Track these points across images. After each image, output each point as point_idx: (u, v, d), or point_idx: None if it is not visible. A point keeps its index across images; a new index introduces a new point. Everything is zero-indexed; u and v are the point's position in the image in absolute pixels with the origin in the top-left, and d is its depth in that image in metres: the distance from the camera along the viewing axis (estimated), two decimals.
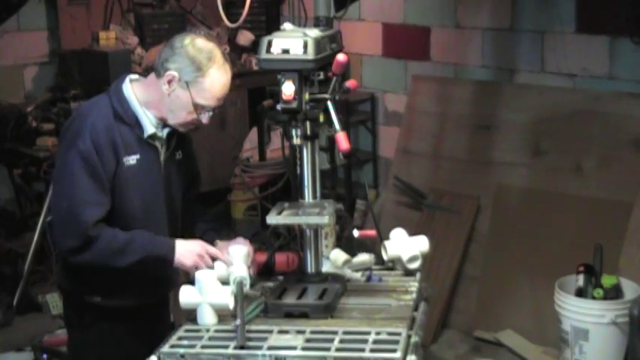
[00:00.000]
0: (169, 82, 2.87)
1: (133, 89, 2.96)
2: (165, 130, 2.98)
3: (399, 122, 6.00)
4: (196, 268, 2.87)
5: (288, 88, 2.68)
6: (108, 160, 2.85)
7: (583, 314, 4.24)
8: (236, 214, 6.57)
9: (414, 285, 2.98)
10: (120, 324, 3.02)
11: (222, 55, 2.91)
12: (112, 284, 2.97)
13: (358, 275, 3.04)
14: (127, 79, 2.99)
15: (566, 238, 4.84)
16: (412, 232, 3.16)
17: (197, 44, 2.88)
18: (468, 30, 5.67)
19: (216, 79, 2.88)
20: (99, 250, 2.83)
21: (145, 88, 2.96)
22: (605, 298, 4.28)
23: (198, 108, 2.89)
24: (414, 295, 2.89)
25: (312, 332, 2.61)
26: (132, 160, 2.90)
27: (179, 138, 3.06)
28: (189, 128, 2.99)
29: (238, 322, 2.55)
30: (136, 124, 2.93)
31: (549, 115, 5.12)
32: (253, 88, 6.74)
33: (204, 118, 2.92)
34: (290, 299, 2.78)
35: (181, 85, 2.86)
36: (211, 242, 3.04)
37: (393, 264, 3.11)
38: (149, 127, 2.94)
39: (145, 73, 3.10)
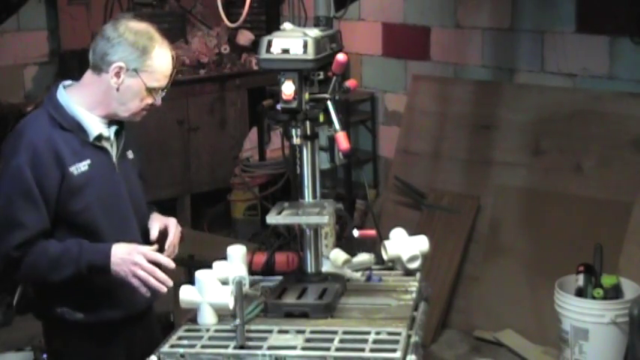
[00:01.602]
0: (117, 74, 2.79)
1: (70, 94, 2.86)
2: (112, 129, 2.90)
3: (399, 122, 6.00)
4: (135, 276, 2.74)
5: (288, 88, 2.67)
6: (48, 175, 2.73)
7: (583, 314, 4.24)
8: (236, 214, 6.57)
9: (414, 285, 2.98)
10: (104, 341, 2.93)
11: (158, 32, 2.86)
12: (92, 296, 2.87)
13: (358, 275, 3.04)
14: (61, 87, 2.88)
15: (566, 238, 4.84)
16: (412, 232, 3.16)
17: (133, 29, 2.80)
18: (468, 30, 5.67)
19: (162, 57, 2.83)
20: (27, 269, 2.74)
21: (83, 91, 2.87)
22: (605, 297, 4.29)
23: (152, 92, 2.84)
24: (414, 295, 2.89)
25: (312, 332, 2.60)
26: (83, 166, 2.79)
27: (127, 137, 2.98)
28: (143, 115, 2.91)
29: (238, 321, 2.55)
30: (79, 129, 2.82)
31: (549, 115, 5.12)
32: (253, 88, 6.75)
33: (158, 100, 2.87)
34: (290, 299, 2.77)
35: (130, 74, 2.79)
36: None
37: (393, 264, 3.11)
38: (93, 130, 2.83)
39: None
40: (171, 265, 2.80)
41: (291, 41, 2.69)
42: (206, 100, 6.63)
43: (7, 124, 5.80)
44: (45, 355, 4.69)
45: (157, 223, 2.98)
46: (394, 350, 2.46)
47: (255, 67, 6.55)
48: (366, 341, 2.52)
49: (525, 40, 5.35)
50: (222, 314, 2.71)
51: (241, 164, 6.52)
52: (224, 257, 2.91)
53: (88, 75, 2.87)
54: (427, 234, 3.16)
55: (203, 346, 2.56)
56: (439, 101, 5.66)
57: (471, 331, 5.07)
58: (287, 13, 5.47)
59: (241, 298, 2.59)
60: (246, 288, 2.80)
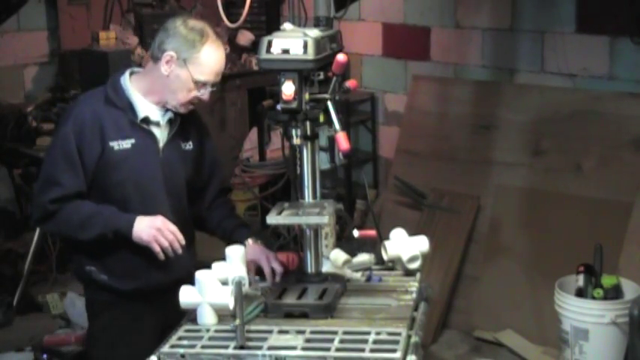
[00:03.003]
0: (168, 62, 3.00)
1: (132, 80, 3.08)
2: (166, 117, 3.08)
3: (399, 122, 6.00)
4: (157, 242, 2.97)
5: (288, 88, 2.68)
6: (90, 145, 2.98)
7: (583, 314, 4.24)
8: None
9: (414, 285, 2.98)
10: (128, 309, 3.11)
11: (214, 32, 3.06)
12: (117, 263, 3.08)
13: (358, 275, 3.04)
14: (127, 72, 3.12)
15: (566, 238, 4.84)
16: (412, 232, 3.16)
17: (189, 24, 3.04)
18: (468, 30, 5.67)
19: (211, 53, 3.01)
20: (59, 222, 3.01)
21: (143, 77, 3.09)
22: (605, 298, 4.28)
23: (198, 84, 3.02)
24: (414, 295, 2.89)
25: (312, 332, 2.61)
26: (125, 143, 3.01)
27: (193, 129, 3.18)
28: (190, 108, 3.10)
29: (238, 322, 2.55)
30: (129, 109, 3.04)
31: (549, 115, 5.12)
32: (253, 88, 6.74)
33: (205, 94, 3.05)
34: (290, 299, 2.78)
35: (179, 63, 2.99)
36: (242, 241, 3.11)
37: (393, 264, 3.11)
38: (141, 111, 3.04)
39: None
40: (183, 241, 3.01)
41: (291, 41, 2.70)
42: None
43: (7, 124, 5.81)
44: (45, 355, 4.71)
45: (262, 257, 3.05)
46: (394, 350, 2.47)
47: (255, 68, 6.54)
48: (366, 341, 2.52)
49: (525, 40, 5.35)
50: (222, 314, 2.71)
51: (241, 164, 6.52)
52: (224, 257, 2.92)
53: (149, 64, 3.11)
54: (427, 234, 3.17)
55: (203, 347, 2.57)
56: (439, 101, 5.66)
57: (471, 331, 5.07)
58: (287, 13, 5.47)
59: (241, 298, 2.60)
60: (245, 288, 2.80)
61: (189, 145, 3.18)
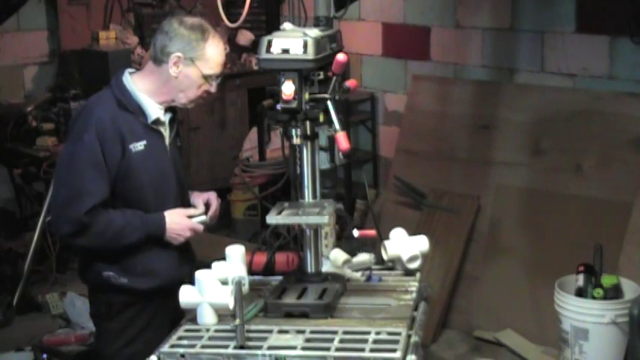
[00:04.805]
0: (175, 63, 3.06)
1: (133, 80, 3.13)
2: (168, 116, 3.17)
3: (399, 122, 6.00)
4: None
5: (288, 88, 2.68)
6: (113, 151, 3.02)
7: (583, 314, 4.24)
8: (236, 213, 6.57)
9: (414, 285, 2.98)
10: (146, 307, 3.16)
11: (210, 25, 3.15)
12: (137, 264, 3.12)
13: (358, 275, 3.04)
14: (126, 72, 3.17)
15: (566, 238, 4.84)
16: (412, 232, 3.16)
17: (187, 23, 3.10)
18: (468, 30, 5.67)
19: (215, 47, 3.10)
20: (94, 236, 3.03)
21: (145, 78, 3.15)
22: (605, 297, 4.29)
23: (208, 79, 3.10)
24: (414, 295, 2.89)
25: (312, 332, 2.60)
26: (139, 146, 3.07)
27: (178, 128, 3.27)
28: (199, 102, 3.20)
29: (238, 321, 2.55)
30: (140, 112, 3.10)
31: (549, 115, 5.12)
32: (253, 88, 6.75)
33: (213, 86, 3.14)
34: (290, 299, 2.78)
35: (187, 63, 3.06)
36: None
37: (393, 264, 3.11)
38: (152, 113, 3.11)
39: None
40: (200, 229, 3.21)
41: (291, 41, 2.70)
42: (206, 99, 6.63)
43: (7, 124, 5.81)
44: (45, 355, 4.71)
45: (199, 199, 3.30)
46: (394, 350, 2.46)
47: (255, 67, 6.55)
48: (366, 341, 2.52)
49: (525, 40, 5.35)
50: (222, 314, 2.71)
51: (241, 164, 6.52)
52: (224, 257, 2.92)
53: (150, 65, 3.15)
54: (427, 234, 3.16)
55: (203, 346, 2.57)
56: (439, 101, 5.66)
57: (471, 331, 5.07)
58: (287, 13, 5.47)
59: (241, 298, 2.59)
60: (245, 288, 2.80)
61: (179, 142, 3.30)
